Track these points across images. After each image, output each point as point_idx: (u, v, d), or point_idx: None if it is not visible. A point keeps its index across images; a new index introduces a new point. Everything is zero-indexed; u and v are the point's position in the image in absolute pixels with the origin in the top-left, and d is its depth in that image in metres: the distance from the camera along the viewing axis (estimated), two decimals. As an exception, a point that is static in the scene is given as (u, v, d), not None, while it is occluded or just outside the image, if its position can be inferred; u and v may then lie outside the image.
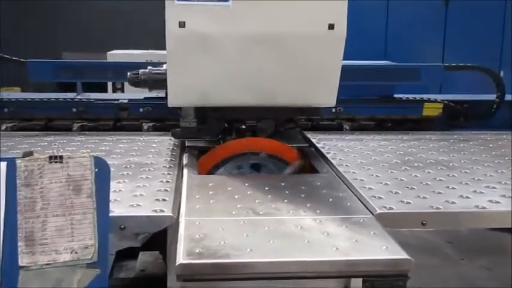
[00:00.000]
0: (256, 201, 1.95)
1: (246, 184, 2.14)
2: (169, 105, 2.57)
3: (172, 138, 2.79)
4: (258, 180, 2.22)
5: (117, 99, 3.36)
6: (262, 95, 2.54)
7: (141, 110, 3.29)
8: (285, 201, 1.96)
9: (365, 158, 2.59)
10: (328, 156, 2.60)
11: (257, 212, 1.84)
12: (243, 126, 2.76)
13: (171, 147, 2.74)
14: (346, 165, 2.43)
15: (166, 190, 2.02)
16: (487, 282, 4.27)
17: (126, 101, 3.33)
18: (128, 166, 2.37)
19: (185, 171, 2.35)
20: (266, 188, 2.09)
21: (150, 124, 3.22)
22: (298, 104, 2.63)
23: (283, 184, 2.16)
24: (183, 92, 2.52)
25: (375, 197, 1.99)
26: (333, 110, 3.32)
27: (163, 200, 1.91)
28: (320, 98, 2.59)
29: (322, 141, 2.92)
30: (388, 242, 1.61)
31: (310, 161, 2.56)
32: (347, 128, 3.30)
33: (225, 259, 1.50)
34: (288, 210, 1.87)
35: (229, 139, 2.66)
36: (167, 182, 2.14)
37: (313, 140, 2.94)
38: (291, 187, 2.12)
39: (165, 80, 2.51)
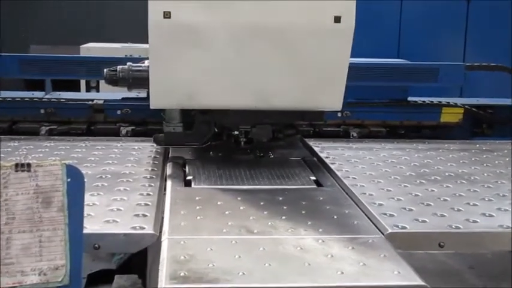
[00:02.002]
0: (250, 217, 1.96)
1: (239, 198, 2.15)
2: (151, 107, 2.57)
3: (155, 145, 2.80)
4: (252, 194, 2.23)
5: (92, 100, 3.36)
6: (258, 96, 2.55)
7: (118, 112, 3.30)
8: (283, 218, 1.96)
9: (375, 169, 2.60)
10: (332, 167, 2.61)
11: (251, 231, 1.84)
12: (236, 132, 2.78)
13: (152, 155, 2.75)
14: (353, 178, 2.44)
15: (146, 204, 2.03)
16: (513, 314, 4.27)
17: (101, 102, 3.33)
18: (104, 176, 2.37)
19: (169, 182, 2.35)
20: (261, 203, 2.10)
21: (129, 128, 3.23)
22: (299, 108, 2.64)
23: (281, 199, 2.17)
24: (167, 92, 2.53)
25: (385, 214, 2.00)
26: (339, 114, 3.34)
27: (144, 215, 1.91)
28: (324, 100, 2.59)
29: (326, 150, 2.94)
30: (401, 266, 1.61)
31: (313, 173, 2.58)
32: (354, 135, 3.31)
33: (213, 284, 1.49)
34: (286, 228, 1.87)
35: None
36: (148, 195, 2.14)
37: (316, 149, 2.95)
38: (290, 202, 2.13)
39: (147, 78, 2.52)
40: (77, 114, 3.32)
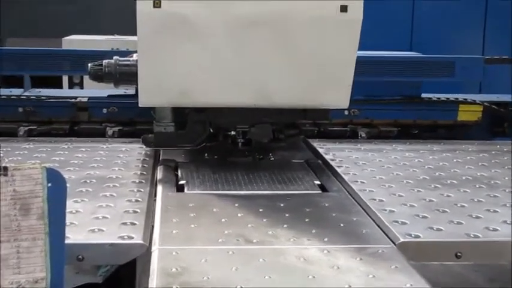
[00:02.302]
0: (249, 225, 1.96)
1: (236, 205, 2.15)
2: (140, 105, 2.57)
3: (144, 147, 2.80)
4: (250, 200, 2.23)
5: (75, 97, 3.37)
6: (257, 93, 2.55)
7: (104, 110, 3.31)
8: (285, 226, 1.96)
9: (385, 173, 2.60)
10: (339, 170, 2.61)
11: (249, 240, 1.84)
12: (232, 133, 2.78)
13: (141, 158, 2.75)
14: (362, 182, 2.45)
15: (135, 211, 2.03)
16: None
17: (85, 100, 3.34)
18: (88, 181, 2.37)
19: (159, 188, 2.35)
20: (261, 210, 2.10)
21: (116, 128, 3.24)
22: (302, 105, 2.64)
23: (282, 205, 2.17)
24: (157, 89, 2.53)
25: (397, 222, 2.00)
26: (346, 112, 3.34)
27: (132, 224, 1.92)
28: (330, 97, 2.59)
29: (331, 151, 2.94)
30: (413, 279, 1.61)
31: (317, 177, 2.59)
32: (363, 135, 3.32)
33: (208, 298, 1.50)
34: (288, 237, 1.87)
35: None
36: (137, 201, 2.15)
37: (320, 150, 2.96)
38: (292, 209, 2.13)
39: (136, 74, 2.52)
40: (58, 113, 3.32)
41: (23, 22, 8.71)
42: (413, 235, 1.89)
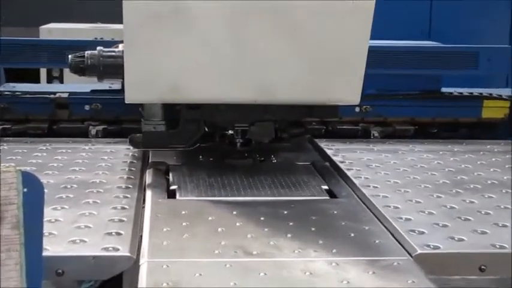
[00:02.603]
0: (248, 236, 1.96)
1: (234, 212, 2.16)
2: (126, 102, 2.57)
3: (131, 148, 2.80)
4: (250, 207, 2.23)
5: (54, 93, 3.36)
6: (258, 88, 2.55)
7: (86, 107, 3.31)
8: (289, 236, 1.96)
9: (401, 176, 2.61)
10: (348, 173, 2.61)
11: (249, 252, 1.84)
12: (230, 132, 2.79)
13: (128, 160, 2.76)
14: (375, 187, 2.45)
15: (121, 220, 2.03)
16: None
17: (65, 95, 3.33)
18: (69, 186, 2.37)
19: (148, 193, 2.35)
20: (262, 218, 2.10)
21: (100, 127, 3.24)
22: (309, 102, 2.65)
23: (285, 212, 2.17)
24: (146, 83, 2.53)
25: (414, 231, 2.00)
26: (357, 109, 3.34)
27: (118, 234, 1.91)
28: (339, 92, 2.60)
29: (340, 152, 2.94)
30: (433, 295, 1.62)
31: (324, 181, 2.59)
32: (376, 134, 3.32)
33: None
34: (292, 248, 1.87)
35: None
36: (123, 208, 2.15)
37: (328, 152, 2.95)
38: (297, 217, 2.13)
39: (122, 66, 2.52)
40: (36, 111, 3.32)
41: (-4, 9, 8.69)
42: (432, 246, 1.89)
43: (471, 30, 6.76)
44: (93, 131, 3.23)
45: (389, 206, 2.22)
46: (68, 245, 1.83)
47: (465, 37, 5.85)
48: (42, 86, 4.49)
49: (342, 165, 2.73)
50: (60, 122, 3.31)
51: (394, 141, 3.22)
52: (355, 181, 2.51)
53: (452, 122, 3.48)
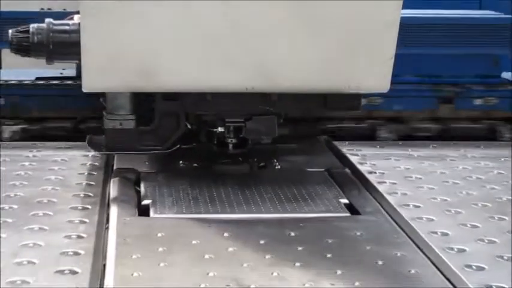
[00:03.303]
0: (244, 264, 1.95)
1: (225, 234, 2.15)
2: (84, 90, 2.58)
3: (91, 151, 2.82)
4: (246, 227, 2.22)
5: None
6: (255, 72, 2.56)
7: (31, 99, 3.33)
8: (297, 265, 1.95)
9: (451, 192, 2.59)
10: (381, 188, 2.60)
11: (246, 286, 1.83)
12: (220, 130, 2.78)
13: (86, 170, 2.76)
14: (416, 206, 2.42)
15: (77, 253, 2.00)
16: None
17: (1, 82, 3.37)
18: (7, 207, 2.35)
19: (114, 210, 2.35)
20: (262, 242, 2.10)
21: (17, 128, 3.26)
22: (322, 89, 2.65)
23: (293, 234, 2.16)
24: (109, 67, 2.53)
25: (470, 266, 1.97)
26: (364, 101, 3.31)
27: (72, 272, 1.89)
28: (363, 77, 2.61)
29: (369, 159, 2.95)
30: None
31: (343, 193, 2.58)
32: (385, 135, 3.39)
33: None
34: (302, 281, 1.86)
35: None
36: (79, 237, 2.11)
37: (353, 159, 2.96)
38: (308, 239, 2.13)
39: (77, 44, 2.52)
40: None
41: None
42: (495, 287, 1.86)
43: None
44: (7, 133, 3.25)
45: (436, 233, 2.18)
46: (6, 286, 1.79)
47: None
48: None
49: (371, 177, 2.72)
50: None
51: (440, 145, 3.21)
52: (389, 198, 2.49)
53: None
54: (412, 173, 2.80)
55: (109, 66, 2.53)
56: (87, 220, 2.25)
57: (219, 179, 2.65)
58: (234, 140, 2.79)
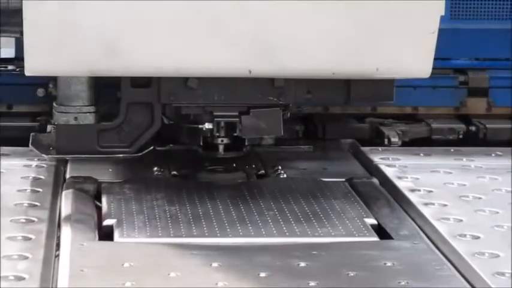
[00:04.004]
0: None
1: (213, 264, 2.12)
2: (27, 74, 2.56)
3: (37, 155, 2.83)
4: (241, 255, 2.20)
5: None
6: (257, 51, 2.57)
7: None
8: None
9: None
10: (426, 213, 2.57)
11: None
12: (208, 126, 2.79)
13: (30, 178, 2.76)
14: (474, 237, 2.37)
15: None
16: None
17: None
18: None
19: (66, 233, 2.35)
20: (262, 274, 2.07)
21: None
22: (345, 74, 2.67)
23: (303, 264, 2.14)
24: (60, 44, 2.53)
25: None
26: None
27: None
28: (398, 59, 2.64)
29: (409, 172, 2.94)
30: None
31: (369, 210, 2.58)
32: (395, 140, 3.36)
33: None
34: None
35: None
36: (18, 278, 2.03)
37: (389, 171, 2.96)
38: (323, 271, 2.11)
39: (19, 12, 2.50)
40: None
41: None
42: None
43: None
44: None
45: (503, 274, 2.13)
46: None
47: None
48: None
49: (414, 198, 2.69)
50: None
51: (506, 152, 3.20)
52: (438, 226, 2.45)
53: None
54: (467, 191, 2.78)
55: (59, 42, 2.53)
56: (28, 254, 2.19)
57: (205, 192, 2.64)
58: (225, 140, 2.81)
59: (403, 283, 2.05)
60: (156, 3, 2.50)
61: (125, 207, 2.54)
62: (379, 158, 3.07)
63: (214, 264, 2.12)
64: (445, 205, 2.64)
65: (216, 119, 2.76)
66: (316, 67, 2.62)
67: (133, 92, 2.71)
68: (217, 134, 2.78)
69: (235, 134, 2.77)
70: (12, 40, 2.89)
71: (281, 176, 2.86)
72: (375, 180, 2.84)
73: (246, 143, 2.82)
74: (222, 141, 2.81)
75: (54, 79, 2.71)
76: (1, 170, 2.87)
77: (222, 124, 2.77)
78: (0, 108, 3.35)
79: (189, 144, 2.85)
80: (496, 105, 3.53)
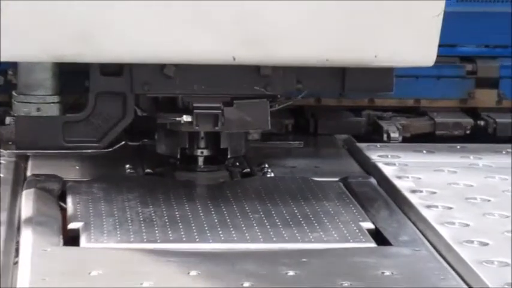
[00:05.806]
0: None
1: (192, 273, 2.07)
2: (3, 59, 2.55)
3: None
4: (223, 261, 2.16)
5: None
6: (242, 34, 2.55)
7: None
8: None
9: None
10: (428, 216, 2.53)
11: None
12: (186, 119, 2.74)
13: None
14: (483, 244, 2.34)
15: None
16: None
17: None
18: None
19: (26, 237, 2.30)
20: (246, 284, 2.01)
21: None
22: (340, 61, 2.65)
23: (292, 273, 2.09)
24: (33, 28, 2.51)
25: None
26: None
27: None
28: (395, 44, 2.62)
29: (410, 171, 2.94)
30: None
31: (366, 212, 2.55)
32: (395, 136, 3.35)
33: None
34: None
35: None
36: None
37: (388, 170, 2.95)
38: (314, 280, 2.06)
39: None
40: None
41: None
42: None
43: None
44: None
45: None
46: None
47: None
48: None
49: (415, 200, 2.66)
50: None
51: None
52: (443, 232, 2.41)
53: None
54: (475, 192, 2.76)
55: (32, 27, 2.53)
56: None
57: (183, 192, 2.62)
58: (205, 152, 2.82)
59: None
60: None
61: (92, 208, 2.51)
62: (377, 156, 3.06)
63: (193, 273, 2.09)
64: (450, 208, 2.62)
65: (195, 111, 2.73)
66: (308, 54, 2.62)
67: (103, 80, 2.70)
68: (197, 128, 2.76)
69: (216, 129, 2.75)
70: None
71: (268, 175, 2.85)
72: (372, 180, 2.84)
73: (228, 139, 2.80)
74: (202, 137, 2.80)
75: (14, 65, 2.72)
76: None
77: (201, 116, 2.73)
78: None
79: (166, 139, 2.86)
80: (506, 98, 3.54)
